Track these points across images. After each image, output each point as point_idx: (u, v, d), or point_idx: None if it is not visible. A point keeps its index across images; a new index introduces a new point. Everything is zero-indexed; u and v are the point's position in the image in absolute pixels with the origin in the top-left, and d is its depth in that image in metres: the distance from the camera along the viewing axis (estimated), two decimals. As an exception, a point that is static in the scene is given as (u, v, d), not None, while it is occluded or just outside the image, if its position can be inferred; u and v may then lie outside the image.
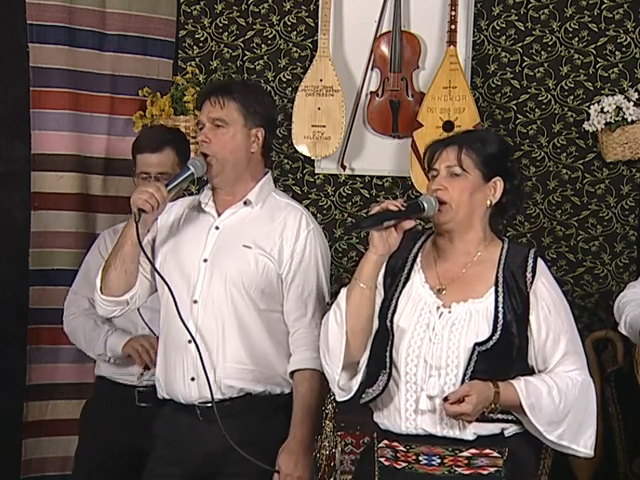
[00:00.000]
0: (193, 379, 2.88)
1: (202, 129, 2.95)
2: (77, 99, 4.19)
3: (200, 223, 2.98)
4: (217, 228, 2.95)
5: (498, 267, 2.63)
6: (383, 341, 2.62)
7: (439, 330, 2.57)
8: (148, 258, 2.90)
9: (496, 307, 2.58)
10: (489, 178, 2.64)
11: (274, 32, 4.40)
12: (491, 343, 2.54)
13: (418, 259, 2.70)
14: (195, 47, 4.40)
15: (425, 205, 2.58)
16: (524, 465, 2.64)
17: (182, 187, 3.03)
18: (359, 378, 2.62)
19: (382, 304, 2.65)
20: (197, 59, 4.39)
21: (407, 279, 2.67)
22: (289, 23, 4.41)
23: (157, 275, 2.91)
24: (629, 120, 4.18)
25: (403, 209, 2.56)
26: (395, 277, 2.67)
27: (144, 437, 3.07)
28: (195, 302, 2.90)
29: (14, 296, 4.13)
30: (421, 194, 4.17)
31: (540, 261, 2.66)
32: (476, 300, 2.60)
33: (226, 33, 4.41)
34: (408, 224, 2.57)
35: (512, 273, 2.62)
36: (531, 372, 2.62)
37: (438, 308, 2.60)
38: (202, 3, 4.40)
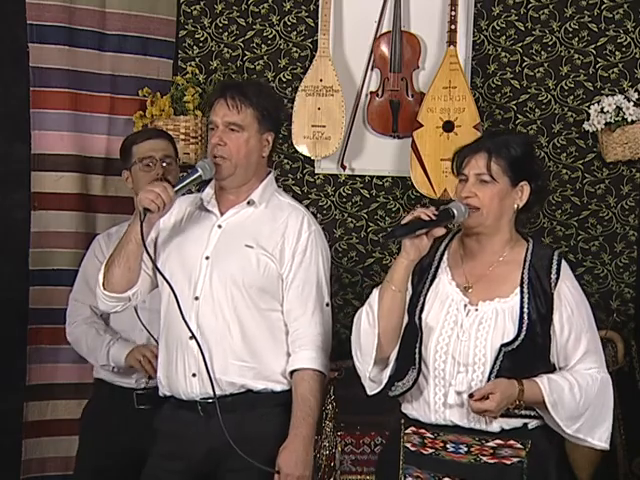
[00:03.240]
0: (194, 375, 2.91)
1: (213, 130, 2.96)
2: (77, 99, 4.19)
3: (203, 221, 3.01)
4: (220, 227, 2.98)
5: (523, 268, 2.73)
6: (412, 337, 2.71)
7: (467, 328, 2.67)
8: (151, 257, 2.92)
9: (521, 307, 2.68)
10: (516, 183, 2.72)
11: (274, 32, 4.40)
12: (517, 343, 2.64)
13: (445, 257, 2.79)
14: (195, 47, 4.40)
15: (455, 212, 2.67)
16: (545, 456, 2.74)
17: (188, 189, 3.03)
18: (389, 371, 2.72)
19: (410, 300, 2.74)
20: (197, 59, 4.39)
21: (434, 277, 2.76)
22: (289, 23, 4.40)
23: (159, 273, 2.93)
24: (629, 120, 4.18)
25: (434, 218, 2.64)
26: (422, 275, 2.76)
27: (144, 439, 3.08)
28: (196, 299, 2.93)
29: (14, 296, 4.12)
30: (422, 194, 4.23)
31: (564, 262, 2.75)
32: (502, 299, 2.70)
33: (226, 33, 4.40)
34: (439, 232, 2.68)
35: (537, 274, 2.71)
36: (553, 369, 2.72)
37: (465, 306, 2.70)
38: (202, 3, 4.39)
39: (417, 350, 2.69)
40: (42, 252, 4.16)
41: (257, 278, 2.92)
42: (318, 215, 4.40)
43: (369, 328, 2.69)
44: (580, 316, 2.72)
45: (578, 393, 2.66)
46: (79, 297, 3.55)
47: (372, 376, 2.73)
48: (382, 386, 2.73)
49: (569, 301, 2.71)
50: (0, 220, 4.15)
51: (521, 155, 2.73)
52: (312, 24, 4.38)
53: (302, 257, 2.95)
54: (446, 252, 2.80)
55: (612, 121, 4.19)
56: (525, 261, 2.74)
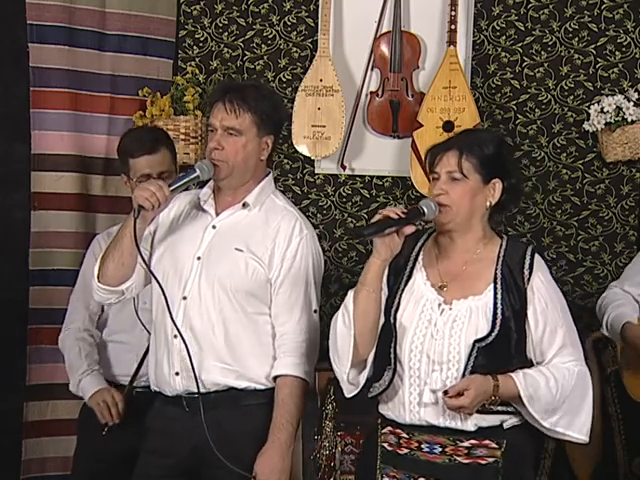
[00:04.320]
0: (177, 374, 2.93)
1: (212, 132, 2.96)
2: (77, 99, 4.19)
3: (198, 221, 3.02)
4: (214, 227, 2.99)
5: (497, 264, 2.73)
6: (388, 338, 2.70)
7: (440, 326, 2.67)
8: (142, 258, 2.92)
9: (495, 304, 2.68)
10: (488, 180, 2.73)
11: (274, 32, 4.40)
12: (490, 339, 2.64)
13: (420, 257, 2.79)
14: (195, 47, 4.40)
15: (425, 210, 2.67)
16: (521, 456, 2.73)
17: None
18: (366, 374, 2.72)
19: (387, 301, 2.74)
20: (197, 59, 4.39)
21: (409, 277, 2.76)
22: (289, 23, 4.40)
23: (148, 271, 2.94)
24: (629, 120, 4.19)
25: (403, 216, 2.64)
26: (398, 275, 2.76)
27: (141, 438, 3.08)
28: (185, 298, 2.94)
29: (14, 296, 4.12)
30: (422, 194, 4.23)
31: (537, 257, 2.75)
32: (476, 297, 2.70)
33: (226, 33, 4.40)
34: (409, 229, 2.67)
35: (510, 270, 2.71)
36: (530, 364, 2.71)
37: (440, 305, 2.69)
38: (202, 3, 4.39)
39: (392, 350, 2.69)
40: (42, 252, 4.17)
41: (245, 282, 2.93)
42: (318, 215, 4.40)
43: (345, 330, 2.69)
44: (555, 310, 2.71)
45: (554, 387, 2.65)
46: (79, 297, 3.55)
47: (350, 379, 2.73)
48: (359, 388, 2.73)
49: (542, 295, 2.70)
50: (0, 220, 4.15)
51: (493, 153, 2.73)
52: (312, 24, 4.38)
53: (291, 262, 2.95)
54: (421, 252, 2.80)
55: (612, 121, 4.20)
56: (498, 258, 2.74)
